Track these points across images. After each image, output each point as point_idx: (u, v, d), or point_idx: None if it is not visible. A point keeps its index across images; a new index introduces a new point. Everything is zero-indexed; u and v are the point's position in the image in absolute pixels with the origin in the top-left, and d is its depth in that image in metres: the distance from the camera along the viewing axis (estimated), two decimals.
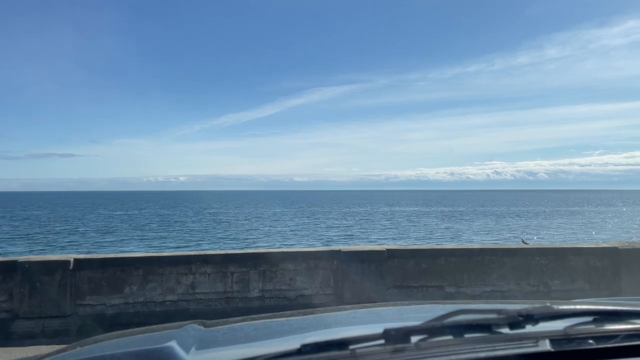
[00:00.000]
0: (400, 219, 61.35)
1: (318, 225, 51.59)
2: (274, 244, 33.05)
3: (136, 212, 78.21)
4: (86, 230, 45.87)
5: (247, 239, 37.45)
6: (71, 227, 48.70)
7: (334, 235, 40.96)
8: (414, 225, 51.29)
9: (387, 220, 60.10)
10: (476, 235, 40.45)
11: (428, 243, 34.20)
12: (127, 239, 37.89)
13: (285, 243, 34.89)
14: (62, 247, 32.64)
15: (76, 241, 36.28)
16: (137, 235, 40.78)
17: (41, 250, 30.37)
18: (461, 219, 60.52)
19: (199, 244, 33.83)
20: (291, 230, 45.37)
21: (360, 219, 61.26)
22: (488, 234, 41.91)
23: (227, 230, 44.42)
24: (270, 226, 49.88)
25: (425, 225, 51.91)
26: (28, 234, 41.43)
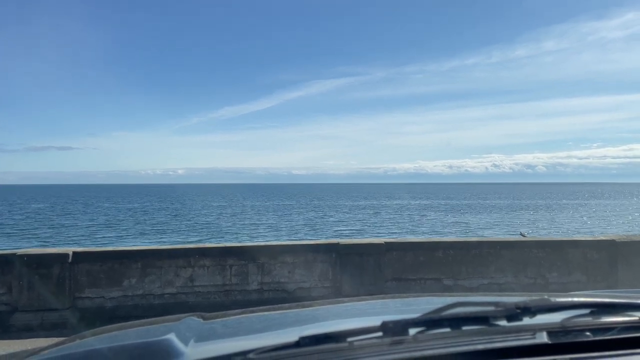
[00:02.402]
0: (399, 213, 61.42)
1: (317, 219, 51.64)
2: (273, 237, 33.10)
3: (137, 205, 78.17)
4: (86, 223, 45.84)
5: (246, 232, 37.49)
6: (71, 221, 48.67)
7: (333, 229, 41.01)
8: (413, 219, 51.37)
9: (386, 213, 60.17)
10: (475, 228, 40.55)
11: (426, 236, 34.29)
12: (126, 233, 37.90)
13: (284, 236, 34.93)
14: (62, 240, 32.63)
15: (76, 234, 36.27)
16: (137, 229, 40.79)
17: (41, 243, 30.37)
18: (460, 212, 60.62)
19: (198, 237, 33.85)
20: (290, 224, 45.42)
21: (359, 213, 61.31)
22: (486, 227, 42.01)
23: (226, 224, 44.44)
24: (270, 219, 49.92)
25: (424, 218, 52.00)
26: (28, 228, 41.40)
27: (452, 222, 47.03)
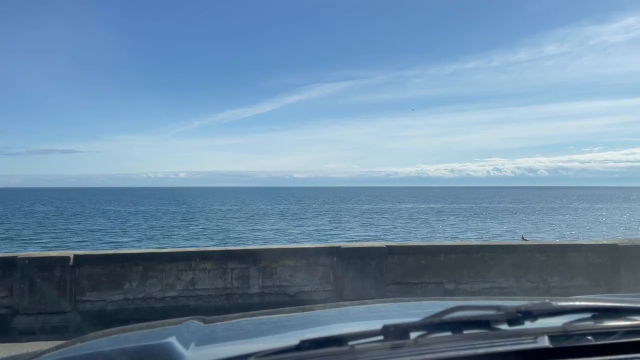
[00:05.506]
0: (400, 216, 61.36)
1: (319, 222, 51.61)
2: (274, 241, 33.08)
3: (141, 209, 78.22)
4: (88, 226, 45.87)
5: (247, 235, 37.48)
6: (73, 224, 48.71)
7: (335, 232, 40.98)
8: (414, 222, 51.32)
9: (387, 217, 60.12)
10: (476, 232, 40.48)
11: (428, 240, 34.24)
12: (128, 236, 37.90)
13: (286, 239, 34.92)
14: (65, 243, 32.65)
15: (78, 237, 36.29)
16: (139, 232, 40.80)
17: (43, 246, 30.40)
18: (461, 216, 60.55)
19: (201, 241, 33.85)
20: (292, 227, 45.40)
21: (361, 216, 61.26)
22: (488, 230, 41.93)
23: (228, 227, 44.43)
24: (272, 223, 49.90)
25: (425, 222, 51.95)
26: (30, 231, 41.44)
27: (453, 225, 46.95)
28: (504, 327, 1.20)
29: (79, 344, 1.53)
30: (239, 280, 7.23)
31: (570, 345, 1.13)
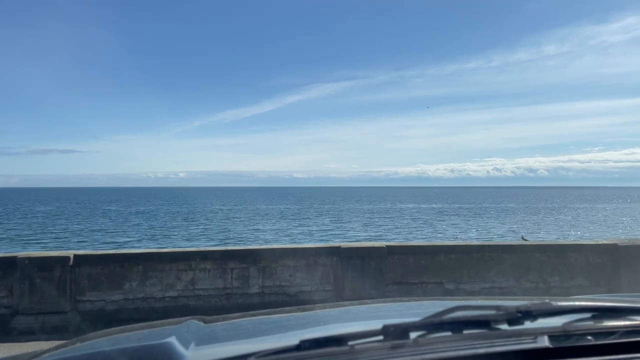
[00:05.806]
0: (401, 216, 61.35)
1: (319, 222, 51.60)
2: (275, 241, 33.09)
3: (142, 209, 78.19)
4: (88, 226, 45.86)
5: (247, 235, 37.47)
6: (74, 224, 48.70)
7: (335, 232, 40.96)
8: (415, 223, 51.31)
9: (387, 217, 60.10)
10: (476, 232, 40.48)
11: (428, 240, 34.23)
12: (128, 236, 37.90)
13: (286, 239, 34.91)
14: (65, 243, 32.63)
15: (78, 237, 36.28)
16: (140, 232, 40.79)
17: (44, 246, 30.40)
18: (462, 216, 60.54)
19: (201, 241, 33.84)
20: (292, 227, 45.39)
21: (361, 216, 61.23)
22: (488, 231, 41.93)
23: (228, 227, 44.42)
24: (271, 223, 49.89)
25: (426, 222, 51.94)
26: (30, 231, 41.42)
27: (453, 225, 46.95)
28: (504, 327, 1.20)
29: (79, 344, 1.53)
30: (239, 280, 7.23)
31: (570, 345, 1.13)
